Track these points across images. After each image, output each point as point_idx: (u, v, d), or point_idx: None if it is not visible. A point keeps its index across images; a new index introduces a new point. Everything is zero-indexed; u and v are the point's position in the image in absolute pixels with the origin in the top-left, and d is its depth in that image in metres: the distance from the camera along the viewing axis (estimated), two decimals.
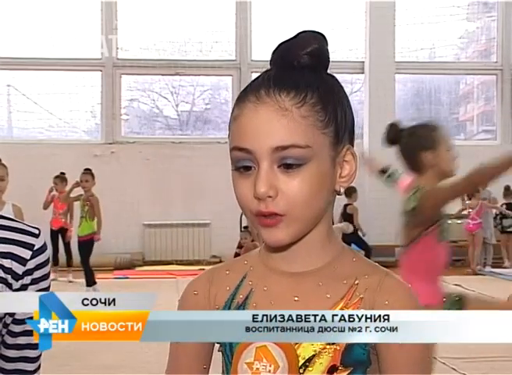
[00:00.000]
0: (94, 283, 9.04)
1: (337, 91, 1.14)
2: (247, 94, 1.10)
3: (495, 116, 13.98)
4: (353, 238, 10.94)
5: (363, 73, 13.26)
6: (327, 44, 1.14)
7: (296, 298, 1.12)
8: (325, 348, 1.09)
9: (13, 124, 13.71)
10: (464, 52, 14.68)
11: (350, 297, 1.11)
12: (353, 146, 1.15)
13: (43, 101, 13.36)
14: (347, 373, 1.10)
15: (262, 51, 12.85)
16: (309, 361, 1.10)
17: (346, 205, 11.40)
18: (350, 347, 1.09)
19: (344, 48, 13.04)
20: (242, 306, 1.14)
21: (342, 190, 1.14)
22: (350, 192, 11.05)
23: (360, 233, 11.61)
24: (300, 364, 1.10)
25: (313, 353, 1.10)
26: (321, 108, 1.09)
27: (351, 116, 1.15)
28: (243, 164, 1.09)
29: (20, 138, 13.25)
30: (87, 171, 9.38)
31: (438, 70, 13.76)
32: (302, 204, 1.07)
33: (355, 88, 13.66)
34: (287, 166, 1.07)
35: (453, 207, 11.64)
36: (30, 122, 13.51)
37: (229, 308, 1.15)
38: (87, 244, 9.05)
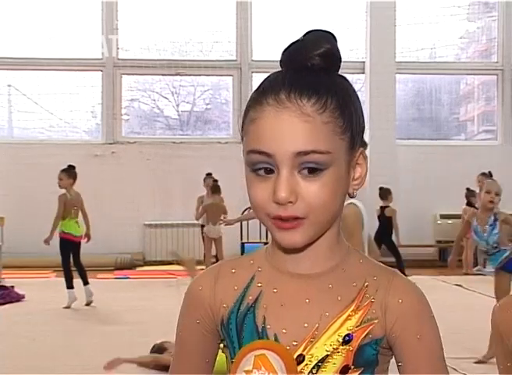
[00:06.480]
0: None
1: (352, 94, 1.15)
2: (265, 97, 1.09)
3: (495, 116, 13.97)
4: (387, 242, 10.07)
5: (363, 73, 13.26)
6: (337, 44, 1.14)
7: (307, 300, 1.12)
8: (337, 349, 1.10)
9: (14, 124, 13.72)
10: (464, 52, 14.67)
11: (360, 299, 1.12)
12: (364, 148, 1.16)
13: (43, 102, 13.36)
14: (358, 373, 1.11)
15: (263, 52, 12.86)
16: (322, 361, 1.10)
17: (383, 208, 10.51)
18: (362, 347, 1.10)
19: (345, 48, 13.02)
20: (252, 307, 1.14)
21: (355, 193, 1.15)
22: (386, 194, 10.48)
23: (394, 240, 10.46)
24: (313, 364, 1.10)
25: (326, 353, 1.10)
26: (339, 114, 1.10)
27: (363, 118, 1.16)
28: (261, 167, 1.08)
29: (21, 138, 13.26)
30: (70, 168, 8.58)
31: (438, 70, 13.75)
32: (321, 208, 1.08)
33: (356, 88, 13.56)
34: (308, 171, 1.07)
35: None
36: (30, 122, 13.51)
37: (239, 309, 1.15)
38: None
